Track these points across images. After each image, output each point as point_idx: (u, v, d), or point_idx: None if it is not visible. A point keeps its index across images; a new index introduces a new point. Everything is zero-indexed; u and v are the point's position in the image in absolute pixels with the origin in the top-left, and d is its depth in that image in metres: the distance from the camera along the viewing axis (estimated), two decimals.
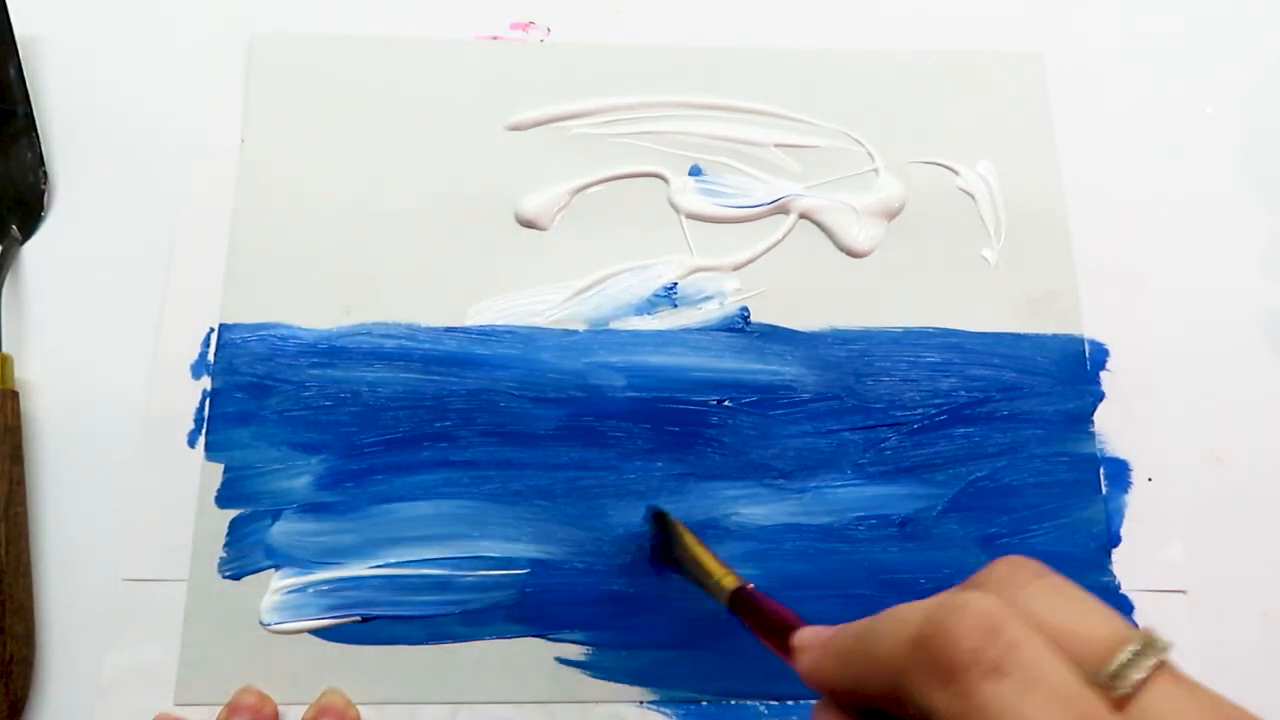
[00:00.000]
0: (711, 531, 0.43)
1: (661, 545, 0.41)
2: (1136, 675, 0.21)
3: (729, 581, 0.36)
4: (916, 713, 0.22)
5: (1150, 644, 0.21)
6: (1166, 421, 0.46)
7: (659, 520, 0.41)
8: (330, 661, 0.41)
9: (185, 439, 0.44)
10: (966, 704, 0.20)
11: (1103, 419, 0.46)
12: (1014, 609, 0.22)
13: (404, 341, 0.46)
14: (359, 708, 0.40)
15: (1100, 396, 0.46)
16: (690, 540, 0.39)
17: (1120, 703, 0.21)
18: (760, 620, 0.33)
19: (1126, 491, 0.45)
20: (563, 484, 0.44)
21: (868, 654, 0.24)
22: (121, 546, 0.43)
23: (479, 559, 0.43)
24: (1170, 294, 0.48)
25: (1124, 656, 0.21)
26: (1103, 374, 0.47)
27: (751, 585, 0.35)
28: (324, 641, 0.42)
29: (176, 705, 0.41)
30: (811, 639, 0.27)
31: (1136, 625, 0.21)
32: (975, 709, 0.20)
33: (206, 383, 0.45)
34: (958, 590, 0.24)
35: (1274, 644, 0.44)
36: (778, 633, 0.31)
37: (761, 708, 0.41)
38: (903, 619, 0.23)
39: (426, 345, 0.46)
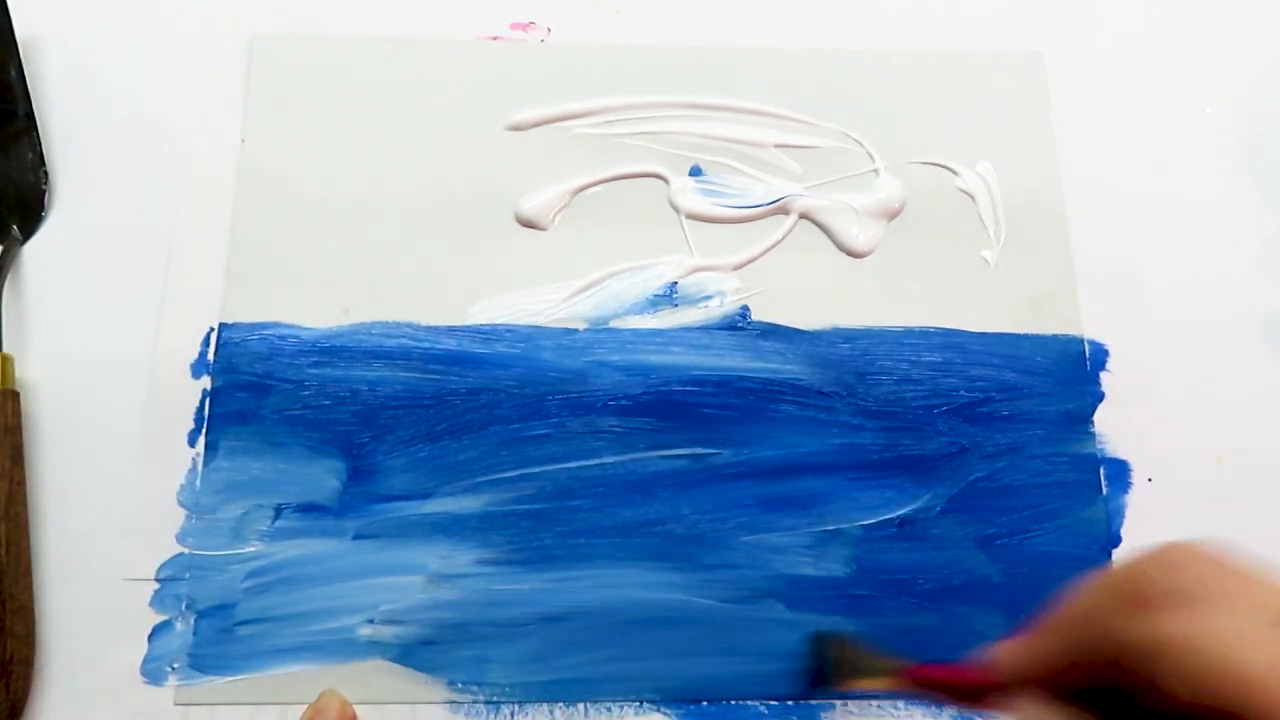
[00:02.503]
0: (709, 533, 0.43)
1: (821, 667, 0.41)
2: None
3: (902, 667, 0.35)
4: (1106, 665, 0.23)
5: None
6: (1166, 421, 0.46)
7: (819, 643, 0.41)
8: (330, 657, 0.41)
9: (185, 438, 0.44)
10: (1167, 635, 0.22)
11: (1103, 419, 0.46)
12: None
13: (404, 341, 0.46)
14: (359, 707, 0.40)
15: (1100, 397, 0.46)
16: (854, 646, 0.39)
17: None
18: (949, 685, 0.32)
19: (1127, 492, 0.45)
20: (563, 482, 0.44)
21: (1072, 620, 0.25)
22: (122, 546, 0.43)
23: (478, 560, 0.43)
24: (1170, 293, 0.49)
25: None
26: (1103, 374, 0.47)
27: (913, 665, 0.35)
28: (326, 640, 0.42)
29: (176, 705, 0.41)
30: (1008, 645, 0.28)
31: None
32: (1179, 643, 0.21)
33: (206, 382, 0.45)
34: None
35: None
36: (970, 690, 0.31)
37: (761, 708, 0.41)
38: (1102, 577, 0.24)
39: (426, 344, 0.46)
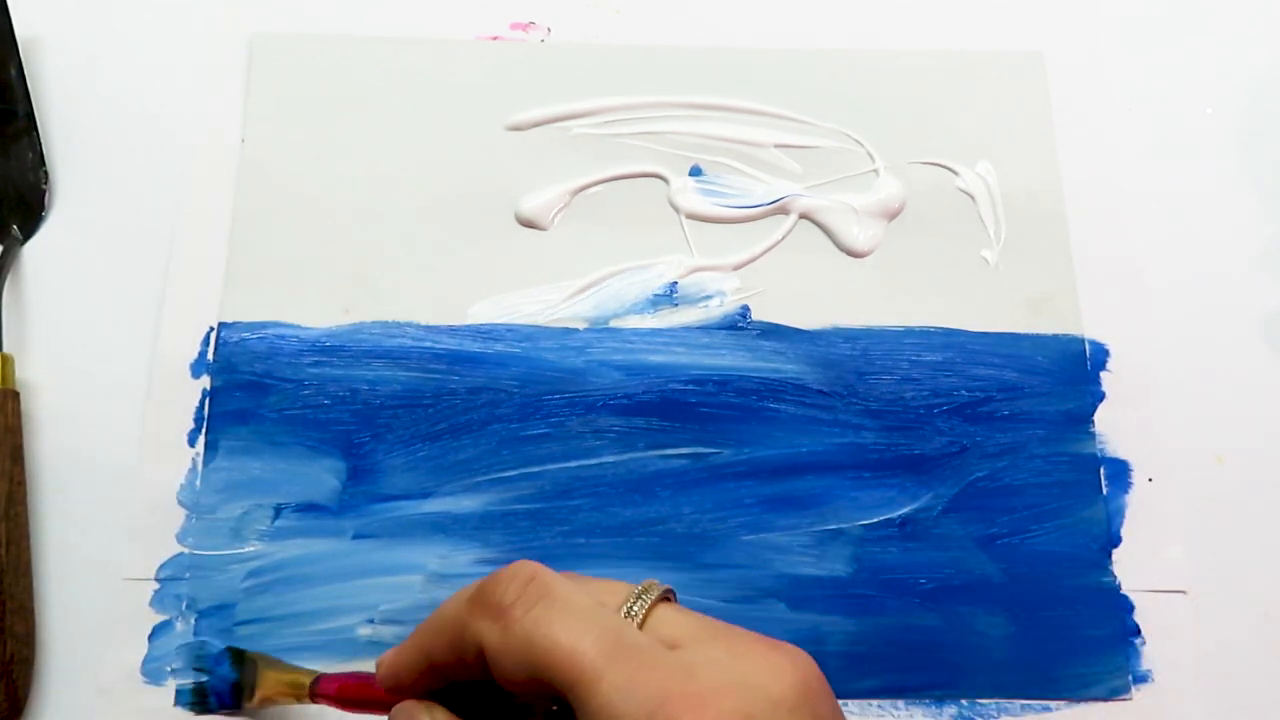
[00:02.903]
0: (710, 533, 0.43)
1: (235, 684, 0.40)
2: (642, 605, 0.26)
3: (307, 680, 0.36)
4: (475, 662, 0.26)
5: (649, 589, 0.27)
6: (1167, 421, 0.46)
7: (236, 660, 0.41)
8: (330, 658, 0.41)
9: (185, 438, 0.44)
10: (510, 630, 0.25)
11: (1103, 419, 0.46)
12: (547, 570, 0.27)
13: (404, 340, 0.46)
14: None
15: (1100, 396, 0.46)
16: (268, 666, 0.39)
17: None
18: (346, 690, 0.34)
19: (1127, 492, 0.45)
20: (563, 481, 0.44)
21: (437, 628, 0.28)
22: (122, 546, 0.42)
23: (478, 559, 0.43)
24: (1170, 293, 0.48)
25: (632, 596, 0.26)
26: (1103, 374, 0.47)
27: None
28: (326, 641, 0.42)
29: (176, 706, 0.40)
30: (389, 654, 0.30)
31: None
32: (520, 634, 0.25)
33: (206, 382, 0.45)
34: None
35: (1274, 644, 0.43)
36: (362, 701, 0.33)
37: None
38: (460, 592, 0.28)
39: (426, 344, 0.46)
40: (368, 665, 0.41)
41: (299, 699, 0.37)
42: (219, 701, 0.40)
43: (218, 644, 0.41)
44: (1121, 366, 0.47)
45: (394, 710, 0.29)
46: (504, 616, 0.26)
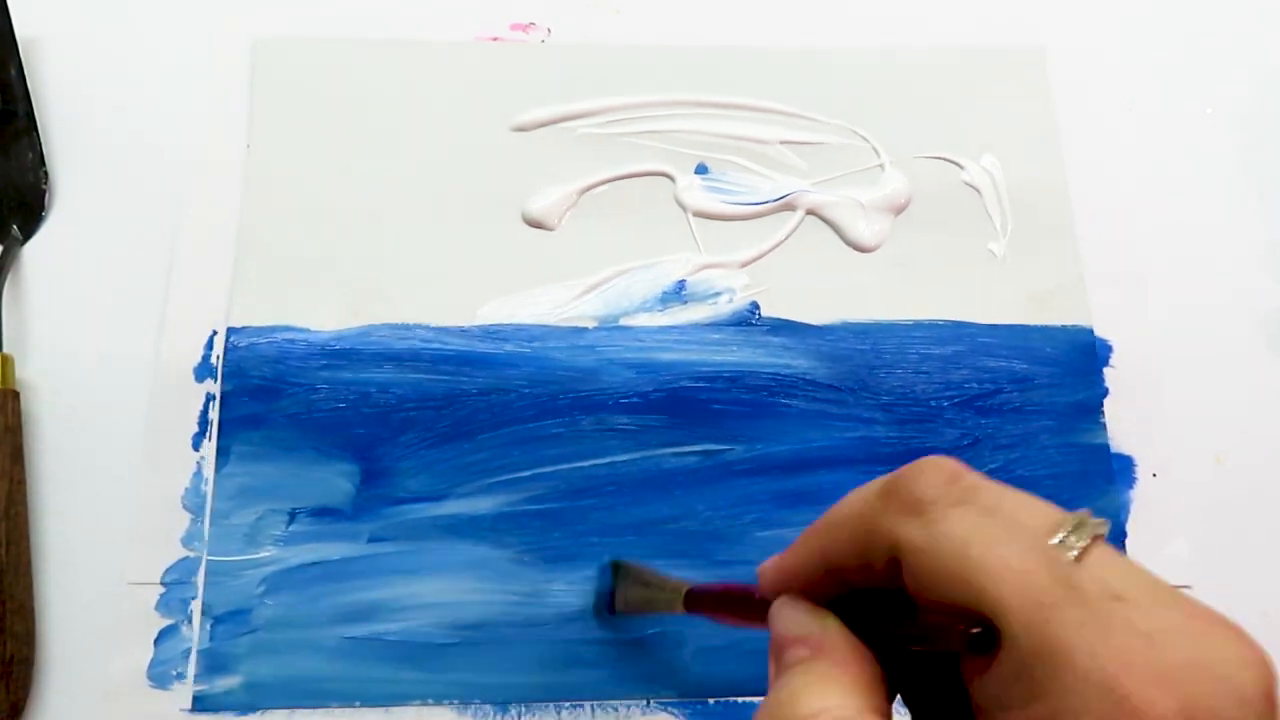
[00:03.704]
0: (723, 530, 0.43)
1: (612, 592, 0.41)
2: (1080, 539, 0.22)
3: (683, 586, 0.36)
4: (883, 565, 0.24)
5: (1085, 522, 0.23)
6: (1167, 420, 0.46)
7: (614, 571, 0.41)
8: (344, 662, 0.41)
9: (189, 441, 0.44)
10: (935, 529, 0.22)
11: (1106, 415, 0.46)
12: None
13: (414, 342, 0.45)
14: (369, 710, 0.40)
15: (1105, 392, 0.46)
16: (641, 570, 0.40)
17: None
18: (719, 601, 0.34)
19: (1131, 487, 0.45)
20: (576, 480, 0.43)
21: (837, 525, 0.25)
22: (121, 546, 0.42)
23: (491, 559, 0.42)
24: (1170, 293, 0.49)
25: (1067, 524, 0.22)
26: (1106, 370, 0.47)
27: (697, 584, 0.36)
28: (341, 644, 0.41)
29: (194, 712, 0.40)
30: (773, 559, 0.28)
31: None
32: (943, 534, 0.22)
33: (210, 386, 0.45)
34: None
35: (1274, 644, 0.43)
36: (738, 600, 0.32)
37: None
38: (864, 488, 0.25)
39: (436, 345, 0.45)
40: (377, 665, 0.41)
41: (671, 607, 0.36)
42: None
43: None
44: (1124, 363, 0.47)
45: (777, 610, 0.26)
46: (926, 513, 0.23)
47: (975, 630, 0.22)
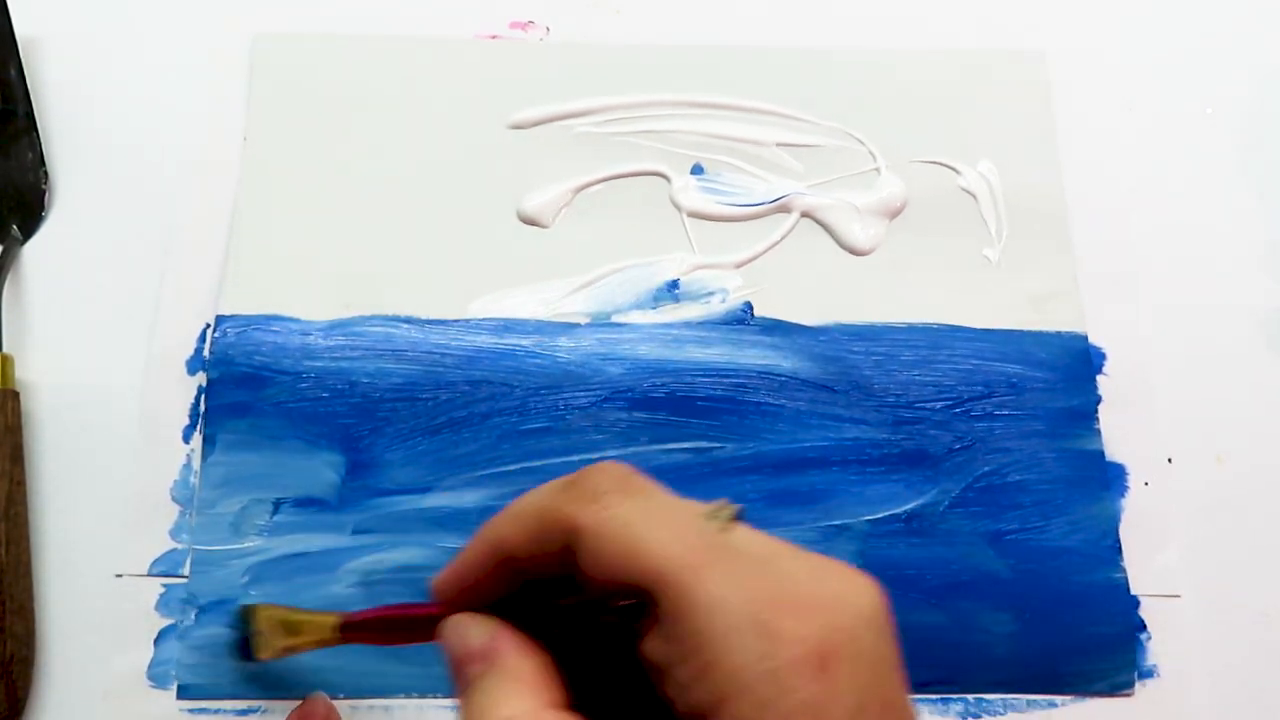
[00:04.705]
0: None
1: (247, 638, 0.40)
2: (725, 517, 0.25)
3: (333, 619, 0.35)
4: (558, 550, 0.26)
5: (725, 506, 0.26)
6: (1166, 421, 0.46)
7: (245, 617, 0.40)
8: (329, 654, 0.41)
9: (180, 434, 0.44)
10: (606, 514, 0.25)
11: (1101, 422, 0.46)
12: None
13: (403, 333, 0.45)
14: (366, 703, 0.40)
15: (1098, 399, 0.46)
16: (280, 611, 0.39)
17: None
18: (382, 626, 0.33)
19: (1125, 494, 0.45)
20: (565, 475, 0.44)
21: (517, 516, 0.27)
22: (122, 546, 0.42)
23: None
24: (1171, 291, 0.49)
25: (711, 510, 0.26)
26: (1100, 377, 0.47)
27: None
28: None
29: (178, 700, 0.40)
30: (445, 570, 0.29)
31: None
32: (612, 516, 0.25)
33: (202, 378, 0.45)
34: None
35: (1274, 644, 0.43)
36: (400, 623, 0.32)
37: None
38: (546, 485, 0.27)
39: (426, 337, 0.46)
40: (373, 661, 0.41)
41: (323, 643, 0.36)
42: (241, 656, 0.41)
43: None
44: (1120, 365, 0.47)
45: (450, 629, 0.28)
46: (600, 501, 0.25)
47: (627, 601, 0.25)
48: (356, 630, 0.34)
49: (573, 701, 0.25)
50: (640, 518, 0.25)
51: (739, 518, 0.26)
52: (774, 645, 0.22)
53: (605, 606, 0.26)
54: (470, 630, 0.27)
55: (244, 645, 0.40)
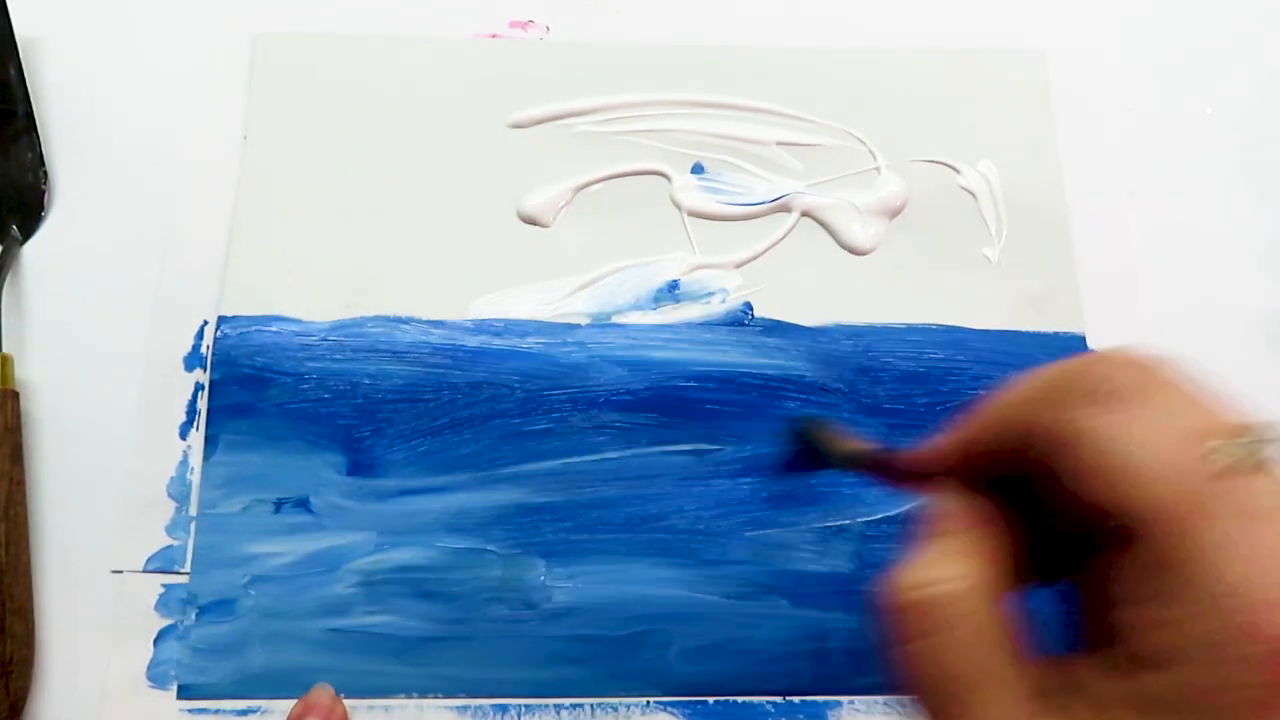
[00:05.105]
0: (712, 529, 0.43)
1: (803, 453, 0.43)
2: (1234, 453, 0.22)
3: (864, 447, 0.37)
4: (1030, 463, 0.24)
5: (1247, 430, 0.23)
6: None
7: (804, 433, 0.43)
8: (330, 654, 0.41)
9: (177, 431, 0.44)
10: (1099, 421, 0.23)
11: None
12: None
13: (405, 334, 0.46)
14: (366, 704, 0.41)
15: None
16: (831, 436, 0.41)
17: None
18: (898, 467, 0.33)
19: None
20: (566, 477, 0.44)
21: (997, 408, 0.26)
22: (122, 546, 0.42)
23: (481, 552, 0.43)
24: (1171, 291, 0.48)
25: (1227, 436, 0.23)
26: None
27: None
28: (326, 636, 0.42)
29: (178, 700, 0.40)
30: (943, 434, 0.29)
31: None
32: (1106, 424, 0.23)
33: (199, 375, 0.45)
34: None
35: None
36: (911, 470, 0.32)
37: (767, 705, 0.41)
38: (1055, 365, 0.25)
39: (427, 338, 0.46)
40: (373, 661, 0.41)
41: (856, 460, 0.38)
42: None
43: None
44: None
45: (944, 488, 0.28)
46: (1069, 409, 0.23)
47: (1113, 525, 0.22)
48: (884, 468, 0.35)
49: (1019, 583, 0.25)
50: (1119, 438, 0.23)
51: (1257, 449, 0.22)
52: (1242, 635, 0.20)
53: (1089, 524, 0.24)
54: (952, 499, 0.27)
55: (798, 457, 0.43)
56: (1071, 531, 0.24)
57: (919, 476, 0.30)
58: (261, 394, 0.44)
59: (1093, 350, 0.23)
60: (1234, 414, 0.23)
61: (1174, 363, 0.24)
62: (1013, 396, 0.26)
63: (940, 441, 0.28)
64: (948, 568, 0.25)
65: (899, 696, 0.41)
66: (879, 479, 0.35)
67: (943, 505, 0.27)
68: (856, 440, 0.39)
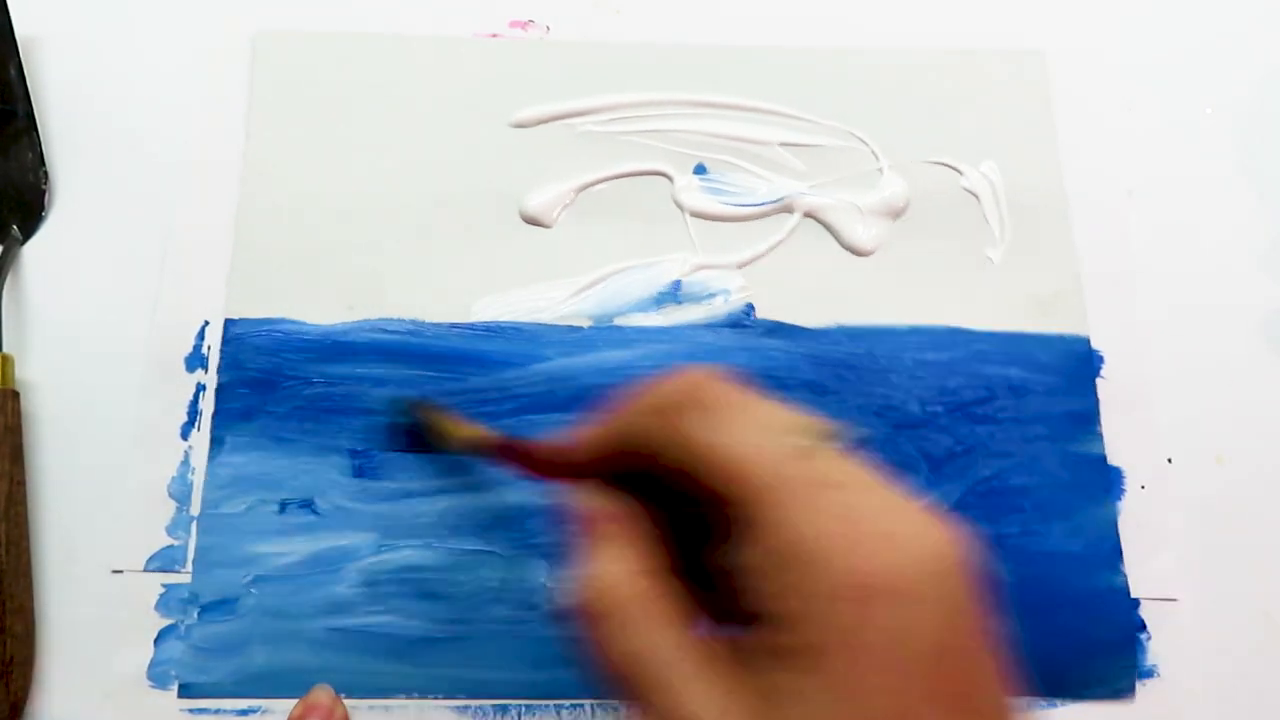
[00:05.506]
0: None
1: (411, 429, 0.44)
2: (810, 442, 0.26)
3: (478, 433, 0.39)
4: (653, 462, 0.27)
5: (817, 426, 0.27)
6: (1166, 422, 0.46)
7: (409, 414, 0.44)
8: (331, 654, 0.41)
9: (178, 431, 0.44)
10: (687, 433, 0.26)
11: (1102, 424, 0.46)
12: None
13: (408, 337, 0.46)
14: (367, 704, 0.40)
15: (1098, 403, 0.46)
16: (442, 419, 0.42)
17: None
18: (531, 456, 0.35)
19: (1122, 497, 0.45)
20: None
21: (619, 421, 0.29)
22: (123, 545, 0.42)
23: (483, 553, 0.43)
24: (1171, 291, 0.48)
25: (802, 429, 0.26)
26: (1097, 380, 0.47)
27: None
28: (328, 636, 0.42)
29: (178, 700, 0.40)
30: (583, 430, 0.31)
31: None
32: (691, 436, 0.26)
33: (200, 376, 0.45)
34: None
35: (1274, 646, 0.43)
36: (534, 460, 0.34)
37: None
38: (631, 406, 0.28)
39: (431, 341, 0.46)
40: (374, 662, 0.41)
41: (480, 446, 0.39)
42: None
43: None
44: (1120, 366, 0.47)
45: (588, 491, 0.30)
46: (678, 419, 0.27)
47: (730, 511, 0.25)
48: (505, 453, 0.36)
49: (681, 566, 0.28)
50: (722, 434, 0.26)
51: (829, 439, 0.26)
52: (820, 574, 0.23)
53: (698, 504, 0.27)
54: (608, 496, 0.29)
55: (411, 435, 0.44)
56: (705, 521, 0.27)
57: (558, 470, 0.32)
58: (267, 396, 0.44)
59: (683, 365, 0.27)
60: (797, 412, 0.27)
61: (731, 376, 0.28)
62: (629, 412, 0.29)
63: (577, 436, 0.31)
64: (605, 561, 0.28)
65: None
66: (511, 467, 0.36)
67: (589, 503, 0.29)
68: (476, 426, 0.40)
